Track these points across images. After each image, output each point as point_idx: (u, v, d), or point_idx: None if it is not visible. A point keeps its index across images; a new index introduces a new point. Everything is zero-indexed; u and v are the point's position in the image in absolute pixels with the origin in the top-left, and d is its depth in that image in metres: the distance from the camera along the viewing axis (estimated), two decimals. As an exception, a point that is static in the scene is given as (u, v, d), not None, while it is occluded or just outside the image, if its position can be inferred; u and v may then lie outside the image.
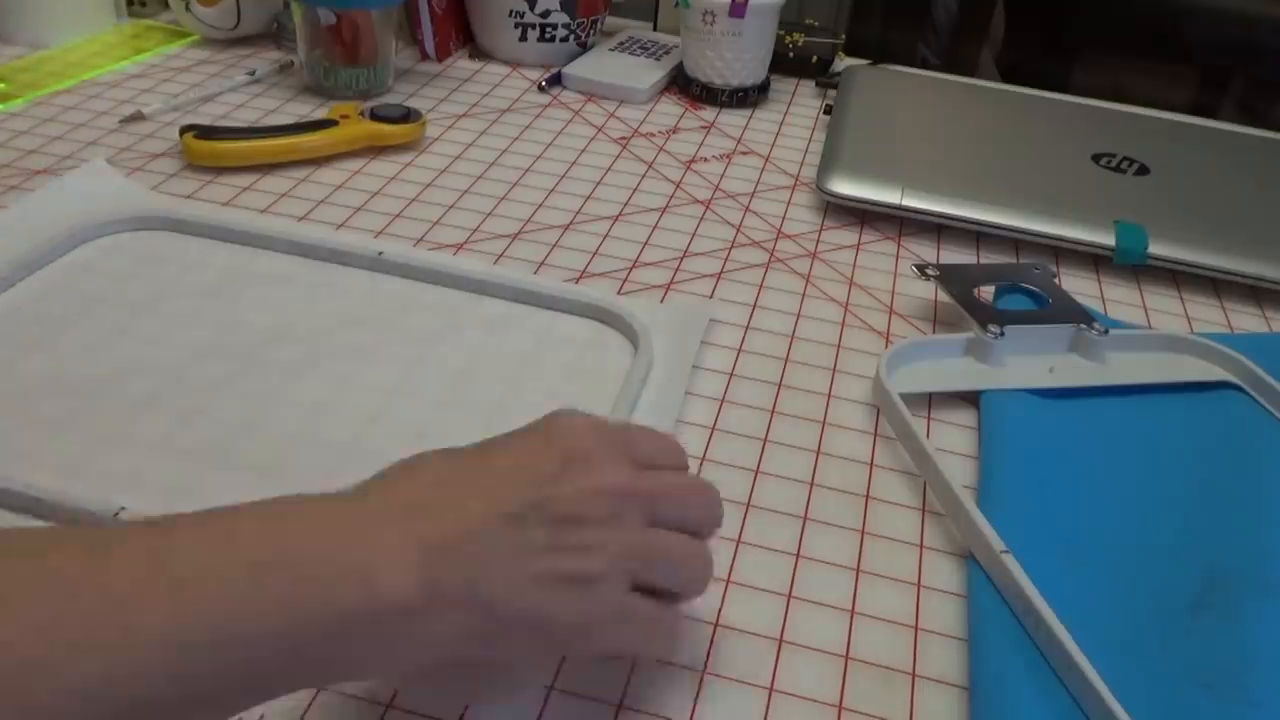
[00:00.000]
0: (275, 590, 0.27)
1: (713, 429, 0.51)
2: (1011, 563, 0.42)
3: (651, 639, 0.35)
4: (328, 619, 0.28)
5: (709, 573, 0.36)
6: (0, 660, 0.24)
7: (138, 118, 0.76)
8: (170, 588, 0.26)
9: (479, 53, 0.95)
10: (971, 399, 0.55)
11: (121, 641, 0.25)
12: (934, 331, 0.61)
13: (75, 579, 0.26)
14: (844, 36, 0.98)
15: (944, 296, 0.60)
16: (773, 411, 0.53)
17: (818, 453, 0.51)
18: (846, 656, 0.41)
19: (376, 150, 0.75)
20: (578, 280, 0.62)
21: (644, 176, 0.76)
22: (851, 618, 0.42)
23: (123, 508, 0.41)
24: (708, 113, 0.88)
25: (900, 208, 0.70)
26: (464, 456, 0.34)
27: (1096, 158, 0.77)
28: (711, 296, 0.62)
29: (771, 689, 0.39)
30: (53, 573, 0.26)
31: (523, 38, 0.92)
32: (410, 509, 0.31)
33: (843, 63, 0.95)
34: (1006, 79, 0.94)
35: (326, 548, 0.29)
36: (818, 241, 0.69)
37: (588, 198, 0.72)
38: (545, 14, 0.91)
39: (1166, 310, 0.66)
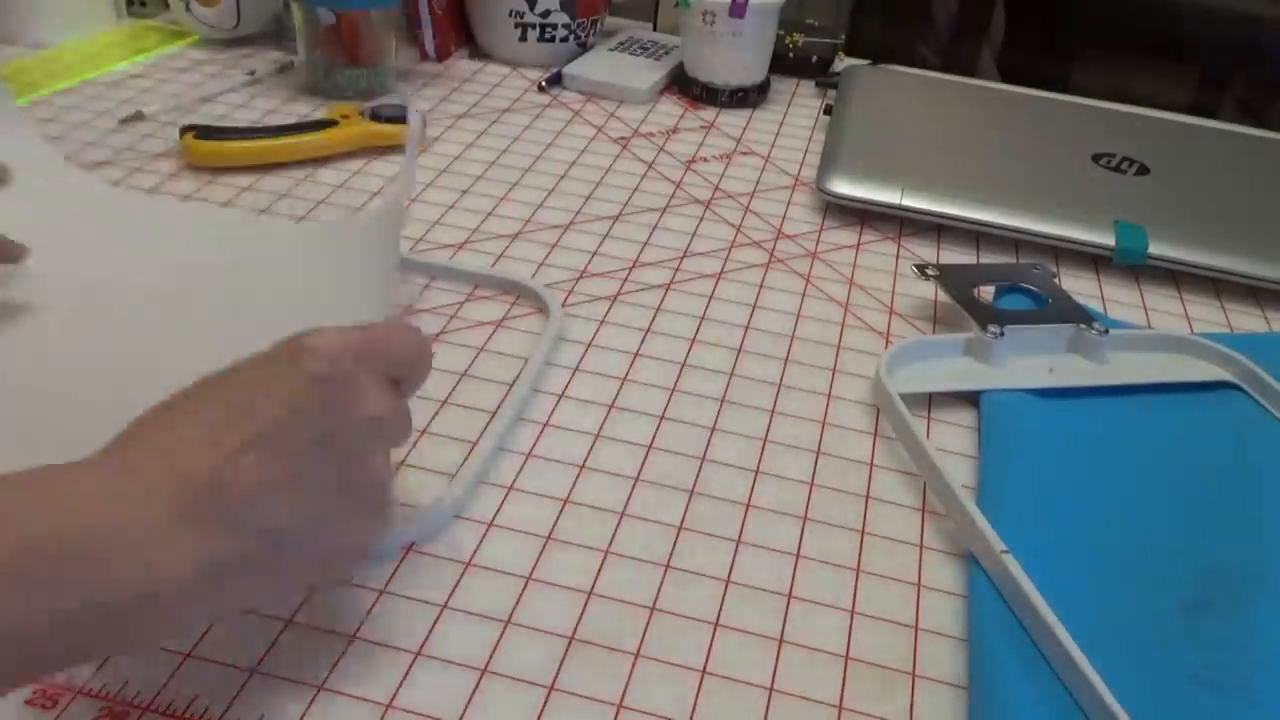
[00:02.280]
0: (47, 574, 0.26)
1: (713, 429, 0.51)
2: (1011, 563, 0.42)
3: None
4: (104, 599, 0.27)
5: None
6: None
7: (138, 118, 0.76)
8: None
9: (479, 53, 0.95)
10: (971, 399, 0.55)
11: None
12: (934, 331, 0.61)
13: None
14: (844, 36, 0.98)
15: (944, 296, 0.60)
16: (773, 411, 0.53)
17: (818, 453, 0.51)
18: (846, 656, 0.41)
19: (376, 150, 0.75)
20: (577, 280, 0.62)
21: (644, 176, 0.76)
22: (851, 618, 0.42)
23: None
24: (708, 113, 0.88)
25: (900, 208, 0.70)
26: (218, 393, 0.31)
27: (1096, 158, 0.77)
28: (711, 296, 0.62)
29: (771, 689, 0.39)
30: None
31: (523, 38, 0.92)
32: (180, 472, 0.29)
33: (843, 63, 0.95)
34: (1006, 79, 0.93)
35: (96, 526, 0.27)
36: (818, 241, 0.69)
37: (588, 198, 0.72)
38: (545, 14, 0.91)
39: (1166, 310, 0.66)
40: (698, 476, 0.48)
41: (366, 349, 0.33)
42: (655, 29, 1.03)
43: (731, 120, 0.87)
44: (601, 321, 0.59)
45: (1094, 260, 0.70)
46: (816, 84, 0.95)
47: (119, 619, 0.27)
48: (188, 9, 0.88)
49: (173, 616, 0.29)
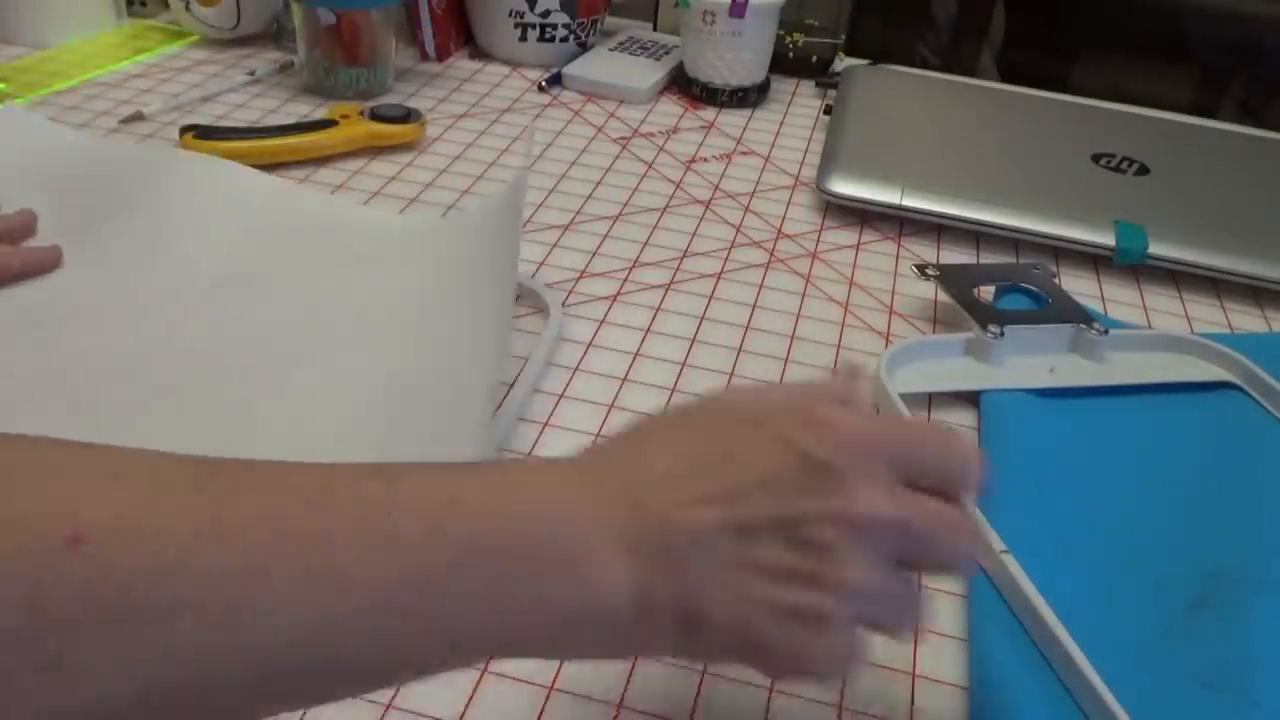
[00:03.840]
0: (485, 573, 0.26)
1: (713, 429, 0.51)
2: (1011, 563, 0.42)
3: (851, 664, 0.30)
4: (533, 611, 0.26)
5: (921, 615, 0.31)
6: (219, 594, 0.23)
7: (138, 118, 0.76)
8: (387, 545, 0.25)
9: (479, 53, 0.95)
10: (971, 399, 0.55)
11: (333, 590, 0.24)
12: (934, 331, 0.61)
13: (299, 521, 0.25)
14: (844, 36, 0.98)
15: (944, 296, 0.60)
16: (773, 411, 0.53)
17: (818, 453, 0.51)
18: (846, 656, 0.40)
19: (376, 150, 0.75)
20: (577, 280, 0.62)
21: (644, 176, 0.76)
22: (851, 618, 0.42)
23: None
24: (708, 113, 0.88)
25: (900, 208, 0.70)
26: (701, 436, 0.30)
27: (1096, 158, 0.77)
28: (711, 296, 0.62)
29: (771, 689, 0.39)
30: (278, 514, 0.25)
31: (523, 38, 0.92)
32: (636, 501, 0.28)
33: (843, 63, 0.95)
34: (1006, 79, 0.93)
35: (543, 534, 0.27)
36: (818, 241, 0.69)
37: (588, 198, 0.72)
38: (545, 14, 0.91)
39: (1166, 310, 0.66)
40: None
41: (885, 445, 0.30)
42: (655, 29, 1.03)
43: (731, 120, 0.87)
44: (601, 321, 0.59)
45: (1094, 260, 0.70)
46: (816, 84, 0.95)
47: (546, 632, 0.27)
48: (188, 9, 0.88)
49: (595, 644, 0.28)
